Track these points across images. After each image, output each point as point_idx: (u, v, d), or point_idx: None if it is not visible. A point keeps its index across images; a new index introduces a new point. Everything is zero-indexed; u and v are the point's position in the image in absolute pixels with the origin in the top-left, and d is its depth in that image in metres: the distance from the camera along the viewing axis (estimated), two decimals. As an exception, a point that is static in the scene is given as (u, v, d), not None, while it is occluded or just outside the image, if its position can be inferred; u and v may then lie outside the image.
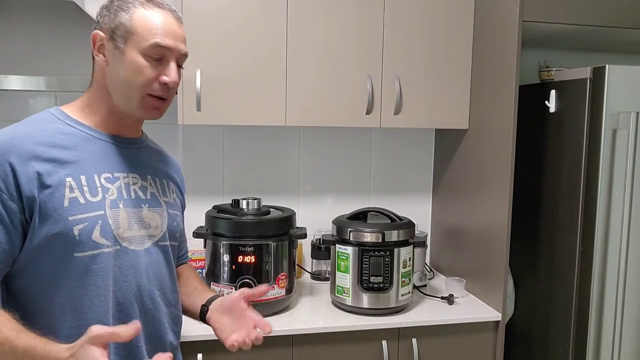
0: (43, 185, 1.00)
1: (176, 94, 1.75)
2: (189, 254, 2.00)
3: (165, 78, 1.08)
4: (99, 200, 1.06)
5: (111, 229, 1.07)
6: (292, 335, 1.66)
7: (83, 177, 1.05)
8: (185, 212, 2.11)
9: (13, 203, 0.99)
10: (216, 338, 1.52)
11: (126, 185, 1.12)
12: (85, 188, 1.05)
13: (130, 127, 1.17)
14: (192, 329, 1.59)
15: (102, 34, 1.08)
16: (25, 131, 1.04)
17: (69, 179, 1.03)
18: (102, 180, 1.08)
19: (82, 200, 1.04)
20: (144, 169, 1.18)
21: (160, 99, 1.10)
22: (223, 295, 1.29)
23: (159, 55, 1.07)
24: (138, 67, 1.06)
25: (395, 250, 1.76)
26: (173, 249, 1.23)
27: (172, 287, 1.22)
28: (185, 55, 1.12)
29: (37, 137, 1.03)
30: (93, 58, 1.12)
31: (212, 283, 1.73)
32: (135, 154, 1.18)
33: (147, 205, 1.15)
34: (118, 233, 1.08)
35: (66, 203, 1.02)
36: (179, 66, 1.12)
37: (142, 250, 1.13)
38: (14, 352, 0.93)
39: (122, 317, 1.09)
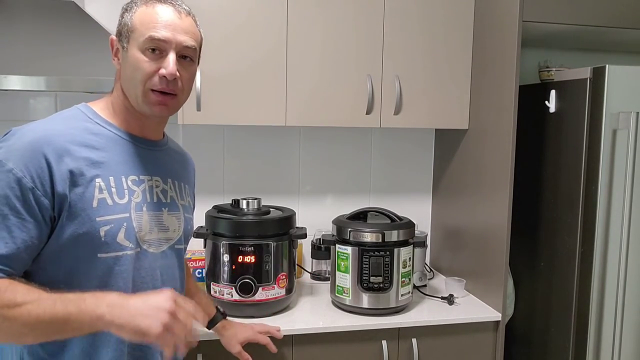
0: (74, 184, 1.00)
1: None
2: (189, 254, 2.01)
3: (162, 70, 1.06)
4: (125, 203, 1.07)
5: (134, 232, 1.07)
6: (292, 335, 1.66)
7: (112, 179, 1.06)
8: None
9: (46, 199, 0.98)
10: (216, 338, 1.54)
11: (150, 189, 1.13)
12: (114, 190, 1.06)
13: (153, 129, 1.18)
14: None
15: (114, 38, 1.12)
16: (58, 128, 1.04)
17: (98, 180, 1.04)
18: (129, 183, 1.09)
19: (110, 201, 1.04)
20: (166, 172, 1.20)
21: (164, 94, 1.09)
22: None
23: (156, 48, 1.06)
24: (137, 62, 1.06)
25: (395, 250, 1.76)
26: (184, 251, 1.27)
27: (182, 292, 1.23)
28: (189, 48, 1.10)
29: (70, 136, 1.03)
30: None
31: (212, 283, 1.73)
32: (158, 156, 1.19)
33: (167, 209, 1.17)
34: (140, 236, 1.09)
35: (95, 203, 1.02)
36: (187, 58, 1.11)
37: (159, 253, 1.14)
38: (55, 316, 0.92)
39: None
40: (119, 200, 1.06)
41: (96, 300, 0.93)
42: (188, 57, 1.11)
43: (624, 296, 1.68)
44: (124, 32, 1.09)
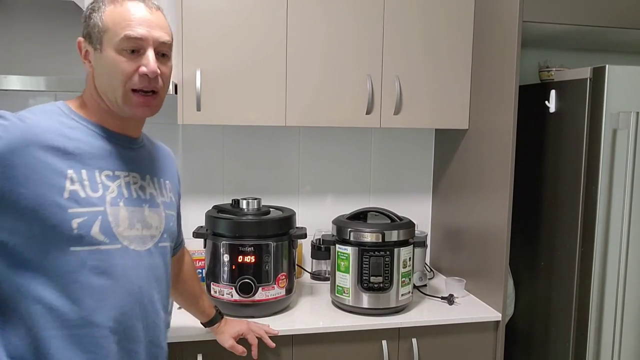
0: (38, 173, 0.97)
1: (176, 91, 1.76)
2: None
3: (142, 69, 1.04)
4: (99, 197, 1.04)
5: (110, 227, 1.04)
6: (292, 335, 1.66)
7: (84, 172, 1.03)
8: (185, 212, 2.12)
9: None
10: (215, 337, 1.55)
11: (127, 184, 1.10)
12: (86, 183, 1.02)
13: (132, 127, 1.15)
14: (192, 329, 1.59)
15: (82, 40, 1.09)
16: (34, 118, 1.01)
17: (70, 171, 1.00)
18: (103, 177, 1.06)
19: (82, 194, 1.01)
20: (144, 169, 1.17)
21: (146, 94, 1.07)
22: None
23: (134, 47, 1.04)
24: (114, 63, 1.04)
25: (395, 250, 1.76)
26: (170, 250, 1.23)
27: (167, 292, 1.21)
28: (165, 43, 1.08)
29: (45, 126, 1.00)
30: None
31: (212, 283, 1.73)
32: (136, 153, 1.16)
33: (147, 205, 1.14)
34: (118, 231, 1.06)
35: (66, 195, 0.99)
36: (165, 55, 1.09)
37: (143, 250, 1.11)
38: None
39: (124, 320, 1.06)
40: (92, 193, 1.02)
41: None
42: (164, 53, 1.09)
43: (624, 296, 1.68)
44: (95, 34, 1.05)
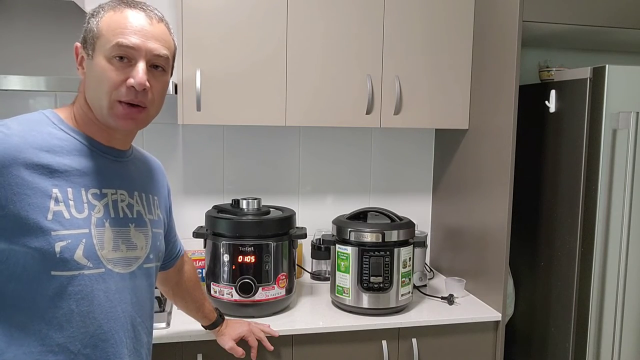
0: (23, 193, 0.91)
1: (176, 91, 1.76)
2: (189, 254, 2.00)
3: (130, 80, 0.97)
4: (84, 218, 0.98)
5: (95, 250, 0.98)
6: (292, 335, 1.66)
7: (70, 190, 0.97)
8: (185, 212, 2.12)
9: None
10: (215, 338, 1.55)
11: (114, 203, 1.04)
12: (71, 202, 0.96)
13: (121, 139, 1.09)
14: (192, 329, 1.59)
15: (79, 45, 1.04)
16: (19, 128, 0.95)
17: (55, 190, 0.94)
18: (89, 196, 1.00)
19: (67, 215, 0.95)
20: (132, 185, 1.11)
21: (132, 106, 1.00)
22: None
23: (124, 56, 0.98)
24: (103, 71, 0.98)
25: (395, 250, 1.76)
26: (156, 270, 1.17)
27: (151, 314, 1.16)
28: (160, 56, 1.01)
29: (31, 139, 0.95)
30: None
31: (212, 283, 1.73)
32: (125, 168, 1.10)
33: (134, 224, 1.08)
34: (102, 254, 0.99)
35: (50, 216, 0.93)
36: (158, 68, 1.03)
37: (127, 273, 1.05)
38: None
39: (106, 347, 1.01)
40: (77, 214, 0.96)
41: None
42: (160, 66, 1.03)
43: (624, 296, 1.68)
44: (89, 39, 1.00)
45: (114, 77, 0.98)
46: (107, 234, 1.01)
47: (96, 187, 1.02)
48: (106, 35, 0.98)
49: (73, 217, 0.96)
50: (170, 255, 1.39)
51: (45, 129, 0.99)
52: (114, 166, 1.07)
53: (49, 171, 0.95)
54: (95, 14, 1.02)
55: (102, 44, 0.98)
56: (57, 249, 0.93)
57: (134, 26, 0.99)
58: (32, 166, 0.93)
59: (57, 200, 0.94)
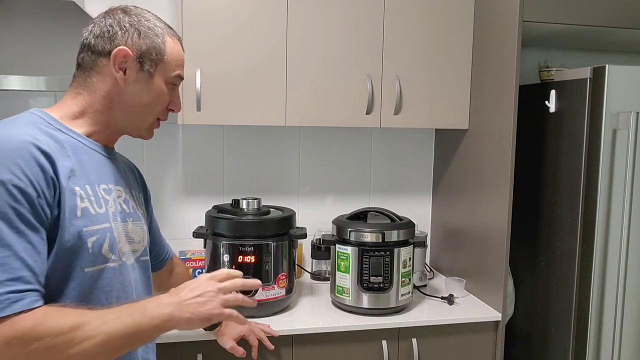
0: (60, 192, 0.93)
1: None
2: (189, 254, 2.01)
3: (174, 106, 1.14)
4: (104, 212, 1.01)
5: (115, 243, 1.02)
6: (292, 335, 1.66)
7: (88, 187, 0.99)
8: (185, 212, 2.12)
9: (48, 208, 0.90)
10: (215, 338, 1.55)
11: (117, 198, 1.08)
12: (92, 198, 0.99)
13: (114, 140, 1.14)
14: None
15: (130, 52, 1.03)
16: (30, 132, 0.93)
17: (77, 188, 0.96)
18: (102, 192, 1.03)
19: (92, 210, 0.98)
20: (124, 181, 1.14)
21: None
22: None
23: (176, 84, 1.13)
24: (162, 93, 1.10)
25: (395, 250, 1.76)
26: (149, 264, 1.21)
27: None
28: None
29: (44, 141, 0.94)
30: (90, 67, 1.05)
31: (212, 283, 1.73)
32: (116, 165, 1.13)
33: (131, 219, 1.11)
34: (119, 247, 1.04)
35: (79, 213, 0.95)
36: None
37: (130, 265, 1.09)
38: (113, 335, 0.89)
39: None
40: (98, 209, 1.00)
41: (156, 303, 0.95)
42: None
43: (624, 296, 1.68)
44: (151, 56, 1.05)
45: (166, 100, 1.12)
46: (120, 228, 1.06)
47: (104, 182, 1.06)
48: (171, 63, 1.09)
49: (97, 213, 1.00)
50: (158, 256, 1.39)
51: (45, 130, 0.99)
52: (110, 163, 1.11)
53: (69, 169, 0.96)
54: (157, 33, 1.07)
55: (166, 68, 1.09)
56: (89, 245, 0.97)
57: (183, 59, 1.14)
58: (58, 166, 0.94)
59: (81, 197, 0.97)
